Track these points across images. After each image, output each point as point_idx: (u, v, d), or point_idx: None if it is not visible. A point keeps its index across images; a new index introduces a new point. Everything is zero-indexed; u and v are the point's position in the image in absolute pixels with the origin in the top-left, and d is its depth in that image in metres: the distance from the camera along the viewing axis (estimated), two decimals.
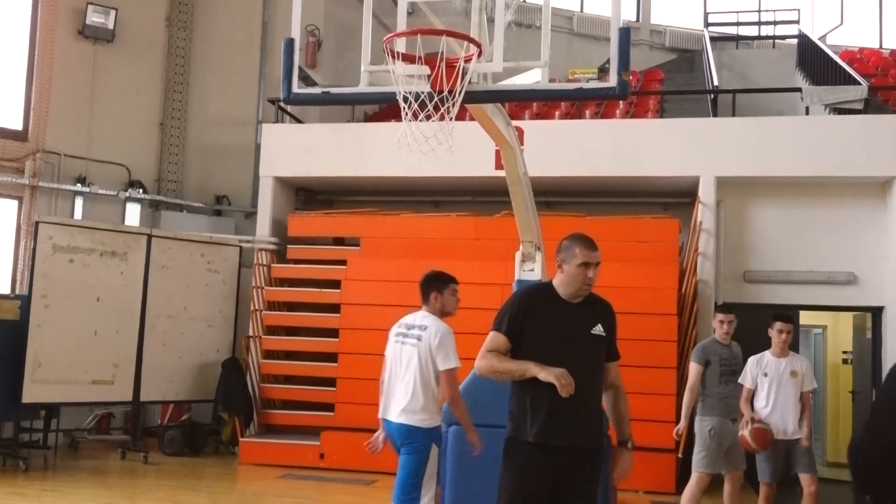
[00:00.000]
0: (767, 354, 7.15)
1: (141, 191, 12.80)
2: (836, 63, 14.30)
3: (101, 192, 12.34)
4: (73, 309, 10.14)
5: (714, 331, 7.45)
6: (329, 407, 10.72)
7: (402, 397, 5.60)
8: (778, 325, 7.10)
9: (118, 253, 10.59)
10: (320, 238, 11.80)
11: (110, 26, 12.51)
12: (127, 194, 12.60)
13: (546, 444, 4.03)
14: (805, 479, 6.92)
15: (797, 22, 19.79)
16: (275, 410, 11.23)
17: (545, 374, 3.91)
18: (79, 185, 12.19)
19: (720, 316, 7.41)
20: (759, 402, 7.05)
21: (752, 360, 7.16)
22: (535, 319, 4.14)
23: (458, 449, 6.59)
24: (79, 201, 12.21)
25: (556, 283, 4.24)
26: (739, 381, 7.12)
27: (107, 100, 12.69)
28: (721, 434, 7.01)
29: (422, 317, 5.72)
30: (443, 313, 5.74)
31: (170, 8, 13.62)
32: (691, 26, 20.50)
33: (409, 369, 5.62)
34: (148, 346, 10.76)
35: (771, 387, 7.01)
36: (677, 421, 9.50)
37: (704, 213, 10.58)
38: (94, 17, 12.39)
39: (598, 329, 4.16)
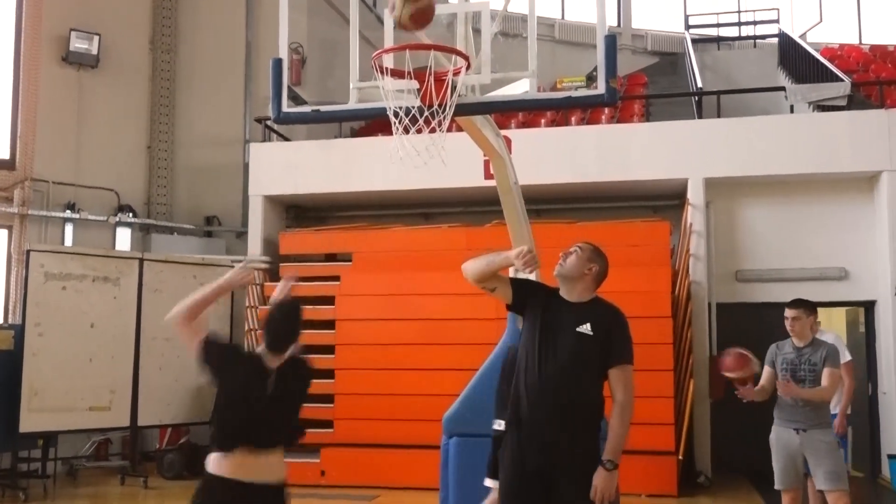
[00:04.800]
0: None
1: (131, 215, 12.77)
2: (817, 60, 14.43)
3: (90, 217, 12.32)
4: (68, 336, 10.10)
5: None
6: (328, 423, 10.68)
7: None
8: None
9: (110, 278, 10.57)
10: (312, 255, 11.79)
11: (94, 52, 12.51)
12: (117, 219, 12.58)
13: (519, 433, 4.15)
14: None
15: (777, 21, 19.95)
16: None
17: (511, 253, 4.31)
18: (68, 211, 12.16)
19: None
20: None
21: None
22: (533, 306, 4.33)
23: (460, 460, 6.60)
24: (69, 228, 12.18)
25: None
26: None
27: (93, 125, 12.68)
28: (777, 445, 6.29)
29: None
30: None
31: (153, 31, 13.64)
32: (672, 29, 20.62)
33: None
34: (144, 370, 10.72)
35: None
36: (676, 423, 9.59)
37: (694, 215, 10.63)
38: (77, 44, 12.38)
39: (585, 328, 4.16)
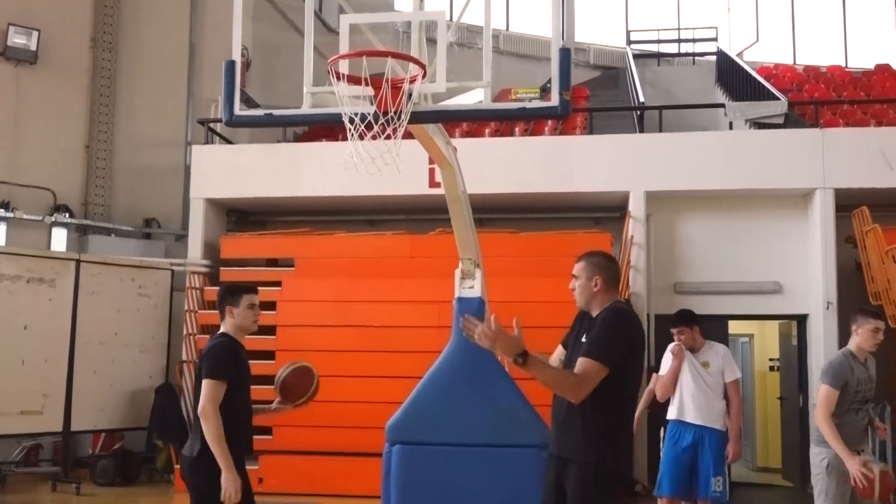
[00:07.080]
0: None
1: (67, 215, 12.50)
2: (753, 79, 14.78)
3: (25, 217, 12.02)
4: (0, 338, 9.85)
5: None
6: (267, 430, 10.57)
7: None
8: None
9: (46, 279, 10.34)
10: (254, 260, 11.66)
11: (33, 47, 12.25)
12: (53, 219, 12.31)
13: (549, 452, 4.32)
14: None
15: (715, 39, 20.41)
16: None
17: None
18: (2, 210, 11.85)
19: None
20: None
21: None
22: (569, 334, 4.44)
23: (403, 468, 6.58)
24: (2, 227, 11.88)
25: None
26: None
27: (30, 123, 12.40)
28: (838, 472, 5.42)
29: None
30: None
31: (94, 29, 13.38)
32: (614, 44, 20.94)
33: None
34: (78, 374, 10.49)
35: None
36: None
37: (635, 227, 10.79)
38: (15, 39, 12.11)
39: (586, 336, 4.21)
